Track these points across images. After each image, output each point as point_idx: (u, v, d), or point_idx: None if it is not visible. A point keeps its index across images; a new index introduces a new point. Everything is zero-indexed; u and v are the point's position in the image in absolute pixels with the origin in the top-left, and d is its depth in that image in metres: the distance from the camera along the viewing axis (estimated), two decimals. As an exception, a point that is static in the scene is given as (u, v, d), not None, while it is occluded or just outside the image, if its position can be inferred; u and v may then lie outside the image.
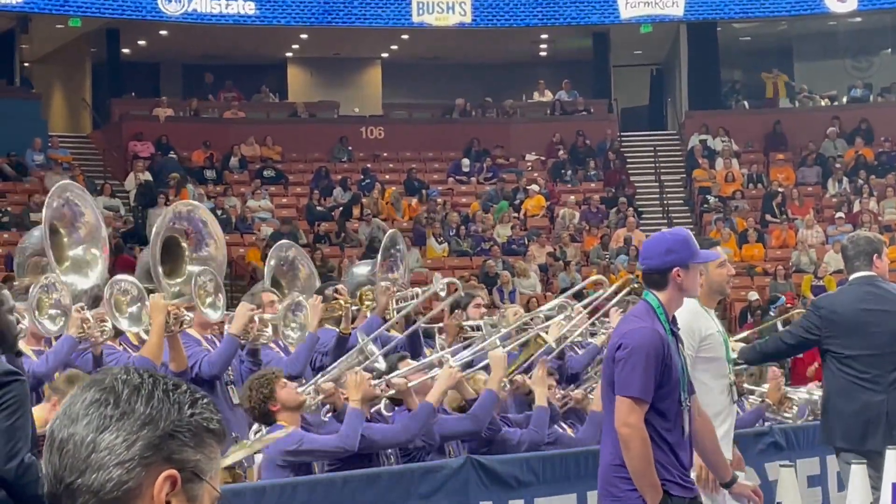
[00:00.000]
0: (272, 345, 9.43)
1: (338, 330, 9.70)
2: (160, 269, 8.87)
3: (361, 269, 11.26)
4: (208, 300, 8.68)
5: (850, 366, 8.19)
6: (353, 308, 9.88)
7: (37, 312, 8.20)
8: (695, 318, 6.91)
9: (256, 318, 8.90)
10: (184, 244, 9.14)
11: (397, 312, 10.11)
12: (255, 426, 7.93)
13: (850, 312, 8.26)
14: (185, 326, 8.54)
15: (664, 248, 6.19)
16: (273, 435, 7.30)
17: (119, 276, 8.82)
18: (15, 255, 10.10)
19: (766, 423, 10.40)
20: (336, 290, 9.98)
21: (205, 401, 2.24)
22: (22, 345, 7.89)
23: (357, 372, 7.75)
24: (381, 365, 7.90)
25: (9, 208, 27.46)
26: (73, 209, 9.11)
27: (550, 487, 8.38)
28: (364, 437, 7.57)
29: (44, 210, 8.97)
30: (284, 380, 7.70)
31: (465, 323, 10.61)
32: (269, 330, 9.07)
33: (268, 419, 7.63)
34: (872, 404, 8.13)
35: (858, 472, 8.02)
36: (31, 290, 8.21)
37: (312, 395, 7.83)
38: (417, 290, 10.35)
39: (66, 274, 9.18)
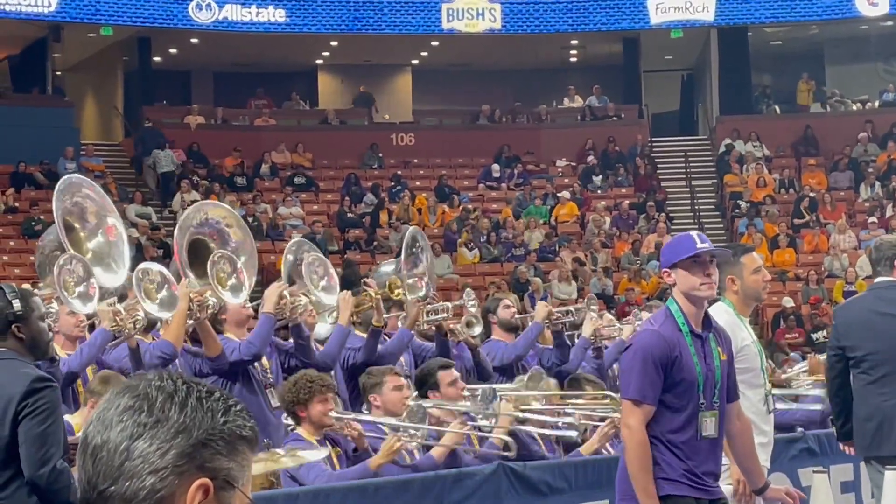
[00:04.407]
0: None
1: (363, 335, 9.73)
2: (190, 273, 8.92)
3: (387, 268, 11.28)
4: (229, 282, 8.75)
5: (862, 370, 8.11)
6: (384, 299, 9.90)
7: (66, 293, 8.26)
8: (730, 329, 6.85)
9: (286, 293, 8.98)
10: (211, 245, 9.20)
11: (427, 325, 10.14)
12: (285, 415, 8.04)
13: (861, 316, 8.19)
14: (210, 311, 8.60)
15: (660, 255, 6.33)
16: (304, 457, 7.33)
17: (143, 265, 8.88)
18: (35, 257, 10.16)
19: (800, 429, 10.34)
20: (364, 283, 10.01)
21: (238, 408, 2.24)
22: (56, 347, 7.94)
23: (399, 439, 7.68)
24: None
25: (41, 216, 27.55)
26: (79, 205, 9.18)
27: (582, 493, 8.37)
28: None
29: (53, 209, 9.04)
30: (330, 396, 7.69)
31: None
32: (304, 299, 9.14)
33: (294, 418, 7.70)
34: (884, 408, 8.03)
35: (893, 479, 7.96)
36: (53, 272, 8.27)
37: (342, 425, 7.79)
38: (448, 304, 10.34)
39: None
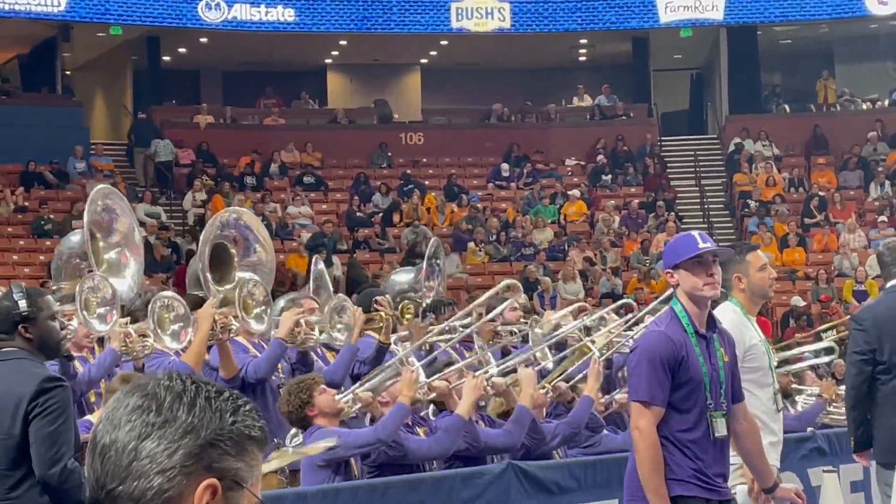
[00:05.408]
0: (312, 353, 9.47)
1: (377, 339, 9.71)
2: (209, 276, 8.92)
3: (402, 277, 11.26)
4: (255, 311, 8.75)
5: (894, 374, 8.05)
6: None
7: (86, 313, 8.27)
8: (737, 329, 6.84)
9: (302, 322, 8.96)
10: (232, 250, 9.19)
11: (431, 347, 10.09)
12: (293, 431, 7.97)
13: (890, 318, 8.13)
14: (231, 335, 8.60)
15: (663, 255, 6.34)
16: (313, 447, 7.30)
17: (164, 293, 8.87)
18: (53, 259, 10.18)
19: (809, 429, 10.33)
20: (376, 301, 9.99)
21: (247, 407, 2.24)
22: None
23: (413, 371, 7.73)
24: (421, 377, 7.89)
25: (51, 216, 27.63)
26: (111, 215, 9.18)
27: (592, 493, 8.36)
28: (400, 445, 7.56)
29: (85, 213, 9.04)
30: (324, 386, 7.71)
31: (499, 328, 10.53)
32: (317, 333, 9.13)
33: (305, 424, 7.66)
34: None
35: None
36: (76, 289, 8.29)
37: (351, 403, 7.81)
38: (456, 324, 10.24)
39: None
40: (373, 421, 7.94)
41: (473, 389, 7.87)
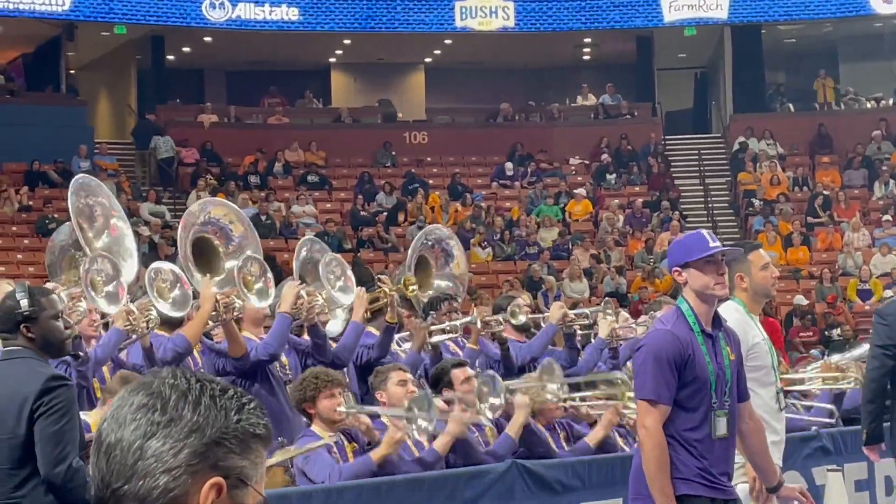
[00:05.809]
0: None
1: (377, 334, 9.71)
2: (195, 271, 8.94)
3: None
4: (256, 286, 8.77)
5: None
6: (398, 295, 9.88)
7: (93, 293, 8.29)
8: (741, 328, 6.83)
9: (303, 293, 9.00)
10: (216, 242, 9.22)
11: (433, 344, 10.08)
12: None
13: None
14: (235, 314, 8.61)
15: (669, 253, 6.33)
16: (308, 446, 7.31)
17: (155, 264, 8.92)
18: (45, 257, 10.18)
19: (814, 428, 10.32)
20: (379, 279, 10.01)
21: (251, 405, 2.24)
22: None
23: (401, 430, 7.59)
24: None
25: (55, 215, 27.60)
26: (91, 206, 9.24)
27: (596, 492, 8.36)
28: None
29: (70, 206, 9.09)
30: (338, 391, 7.67)
31: (488, 318, 10.50)
32: (320, 299, 9.15)
33: (306, 416, 7.72)
34: None
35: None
36: (81, 270, 8.31)
37: (352, 418, 7.76)
38: (456, 323, 10.24)
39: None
40: (370, 444, 7.85)
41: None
